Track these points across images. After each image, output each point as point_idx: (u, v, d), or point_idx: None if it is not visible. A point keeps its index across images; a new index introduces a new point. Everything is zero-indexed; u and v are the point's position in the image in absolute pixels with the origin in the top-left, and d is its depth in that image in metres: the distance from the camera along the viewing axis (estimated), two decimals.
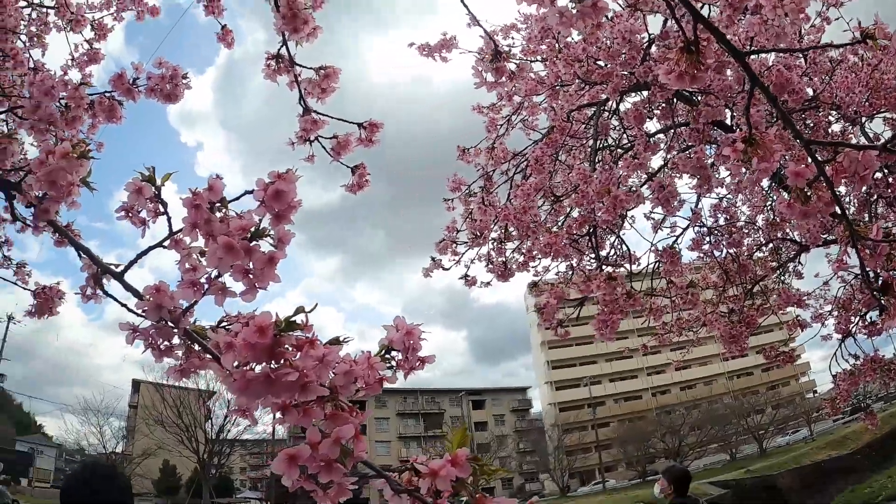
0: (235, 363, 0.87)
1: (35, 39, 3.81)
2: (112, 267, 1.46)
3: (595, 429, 62.05)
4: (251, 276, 1.03)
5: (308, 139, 2.62)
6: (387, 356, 1.23)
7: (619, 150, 5.26)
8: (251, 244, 1.04)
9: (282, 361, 0.88)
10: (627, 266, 5.28)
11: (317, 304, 0.95)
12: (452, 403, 72.22)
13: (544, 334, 70.93)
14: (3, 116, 2.79)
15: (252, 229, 1.06)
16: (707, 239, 6.32)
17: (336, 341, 1.13)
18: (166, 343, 1.22)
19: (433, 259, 5.66)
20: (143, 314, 1.19)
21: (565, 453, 60.02)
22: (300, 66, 2.56)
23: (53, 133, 2.17)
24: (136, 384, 59.88)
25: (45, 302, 2.38)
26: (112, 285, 1.58)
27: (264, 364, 0.86)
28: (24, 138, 2.54)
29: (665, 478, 5.09)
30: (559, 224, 5.02)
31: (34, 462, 56.08)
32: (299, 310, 0.92)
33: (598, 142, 5.01)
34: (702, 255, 6.47)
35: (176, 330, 1.19)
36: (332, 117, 2.63)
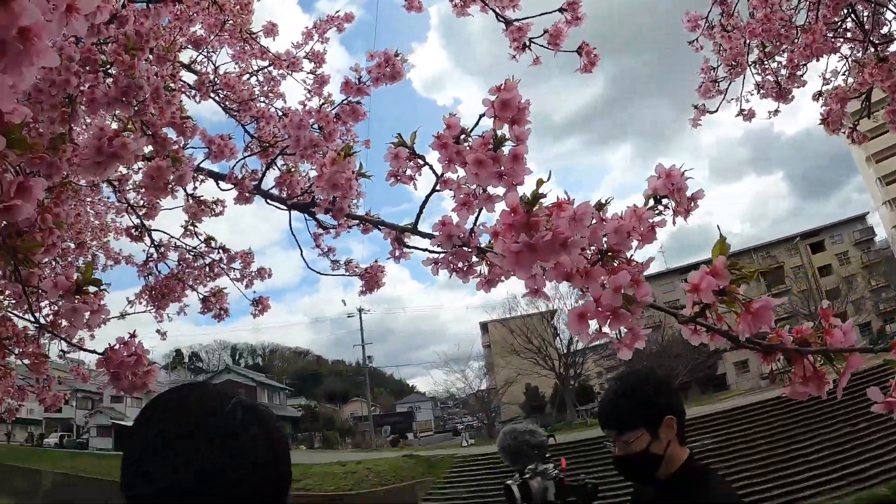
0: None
1: (271, 95, 4.42)
2: (406, 225, 1.76)
3: None
4: (505, 177, 1.19)
5: (523, 45, 2.74)
6: (656, 206, 1.31)
7: None
8: (495, 152, 1.20)
9: (540, 230, 1.01)
10: None
11: (551, 173, 1.07)
12: (789, 253, 65.42)
13: (866, 148, 60.61)
14: (280, 162, 3.27)
15: (491, 140, 1.22)
16: None
17: (601, 205, 1.25)
18: (466, 263, 1.45)
19: (696, 106, 5.39)
20: (440, 247, 1.43)
21: None
22: None
23: (321, 152, 2.57)
24: (484, 325, 66.21)
25: (372, 279, 2.90)
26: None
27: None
28: (302, 168, 3.04)
29: None
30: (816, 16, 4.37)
31: (415, 418, 66.00)
32: (540, 182, 1.05)
33: None
34: None
35: (469, 250, 1.41)
36: (532, 16, 2.73)
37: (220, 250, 3.82)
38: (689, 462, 2.05)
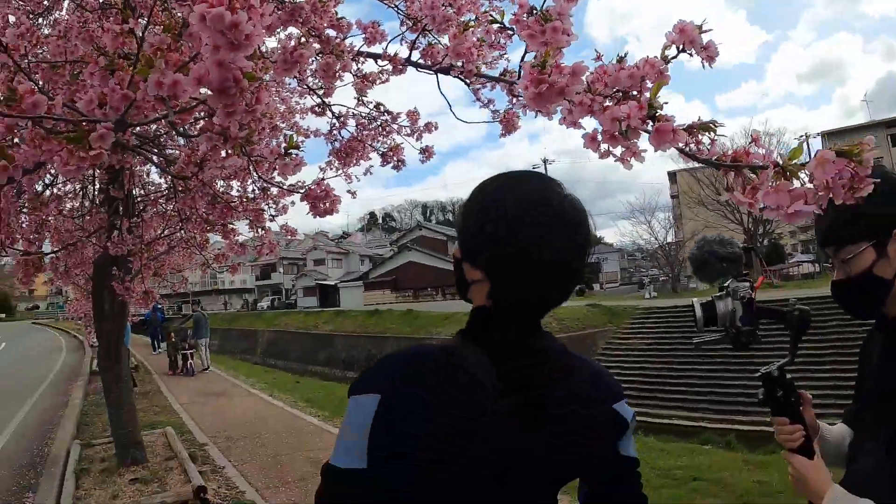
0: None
1: None
2: (513, 80, 2.35)
3: None
4: (549, 44, 1.70)
5: None
6: (677, 55, 1.75)
7: None
8: (542, 26, 1.71)
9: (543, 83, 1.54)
10: None
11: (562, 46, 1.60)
12: None
13: None
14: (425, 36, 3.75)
15: (543, 18, 1.72)
16: None
17: (621, 58, 1.74)
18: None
19: None
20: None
21: None
22: None
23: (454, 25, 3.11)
24: (672, 175, 64.62)
25: (508, 123, 3.51)
26: None
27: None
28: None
29: None
30: None
31: (601, 269, 67.40)
32: (547, 53, 1.58)
33: None
34: None
35: None
36: None
37: (387, 113, 4.56)
38: None
